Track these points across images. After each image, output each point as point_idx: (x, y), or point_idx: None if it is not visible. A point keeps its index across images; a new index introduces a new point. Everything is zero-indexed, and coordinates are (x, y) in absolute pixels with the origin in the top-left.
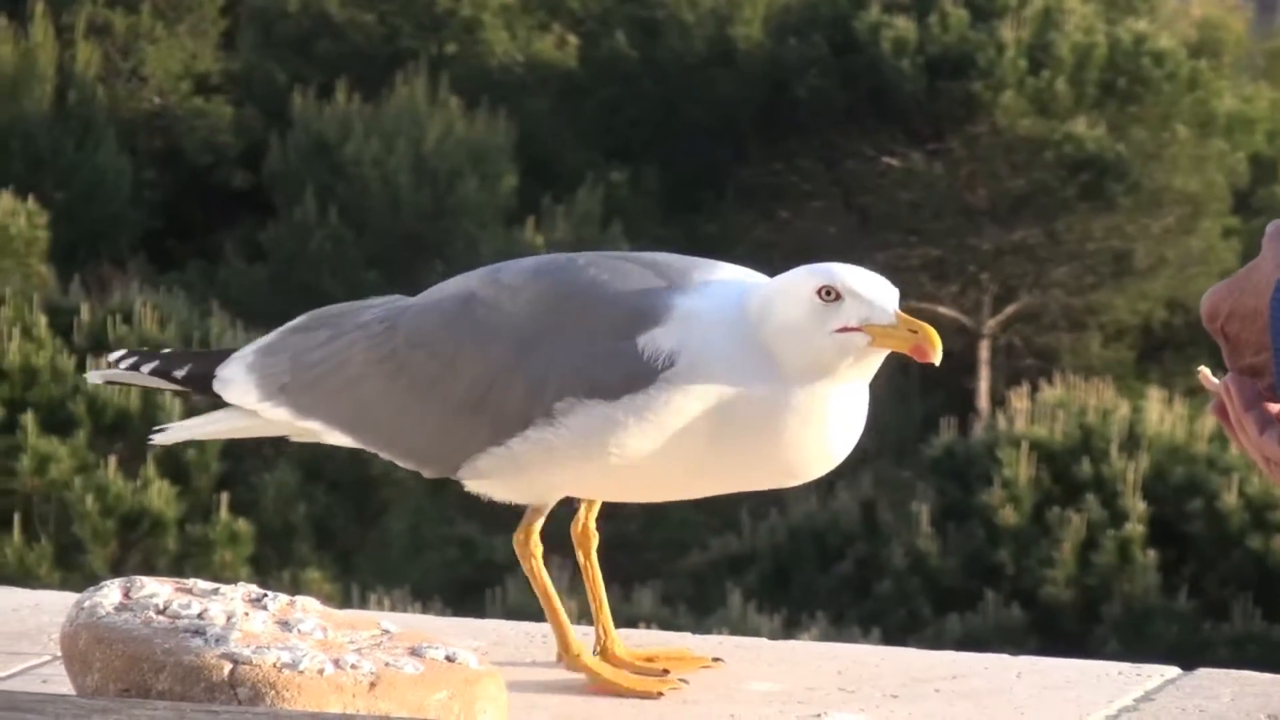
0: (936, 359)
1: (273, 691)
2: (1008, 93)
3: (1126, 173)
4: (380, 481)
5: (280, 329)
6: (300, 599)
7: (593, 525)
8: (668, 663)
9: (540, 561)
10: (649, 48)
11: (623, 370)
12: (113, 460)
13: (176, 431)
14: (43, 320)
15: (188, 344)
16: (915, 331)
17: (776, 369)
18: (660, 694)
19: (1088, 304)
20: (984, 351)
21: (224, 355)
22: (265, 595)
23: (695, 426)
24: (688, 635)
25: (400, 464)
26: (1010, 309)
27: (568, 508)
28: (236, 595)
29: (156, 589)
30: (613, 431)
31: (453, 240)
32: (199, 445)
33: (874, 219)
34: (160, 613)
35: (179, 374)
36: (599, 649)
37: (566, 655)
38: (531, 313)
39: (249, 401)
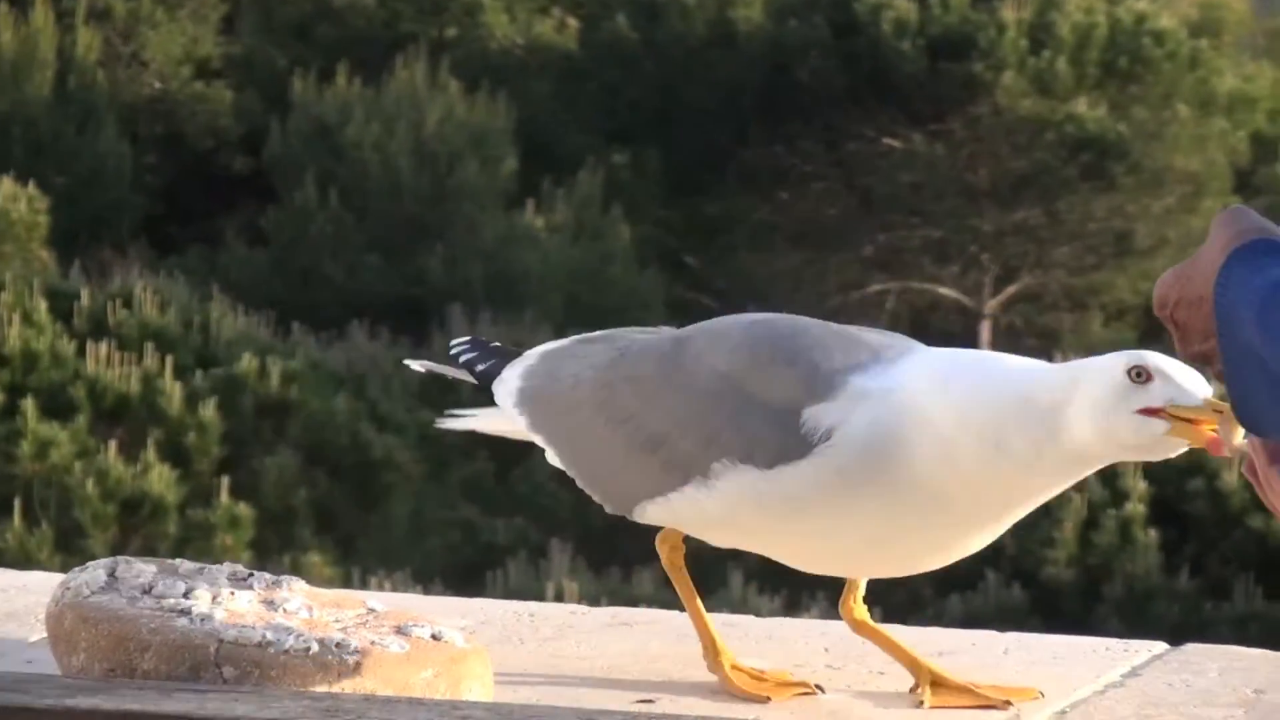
0: (1229, 451)
1: (258, 670)
2: (1008, 73)
3: (1127, 153)
4: (381, 465)
5: (573, 338)
6: (286, 578)
7: (853, 603)
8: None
9: (680, 562)
10: (649, 30)
11: (779, 440)
12: (113, 445)
13: (457, 421)
14: (43, 305)
15: (188, 328)
16: (1219, 412)
17: (1008, 452)
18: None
19: (1089, 284)
20: (985, 332)
21: (520, 355)
22: (251, 575)
23: (846, 505)
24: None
25: (591, 494)
26: (1011, 289)
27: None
28: (222, 575)
29: (142, 569)
30: (760, 504)
31: (453, 223)
32: (199, 429)
33: (875, 200)
34: (146, 593)
35: (479, 368)
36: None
37: (709, 658)
38: (727, 367)
39: (507, 405)
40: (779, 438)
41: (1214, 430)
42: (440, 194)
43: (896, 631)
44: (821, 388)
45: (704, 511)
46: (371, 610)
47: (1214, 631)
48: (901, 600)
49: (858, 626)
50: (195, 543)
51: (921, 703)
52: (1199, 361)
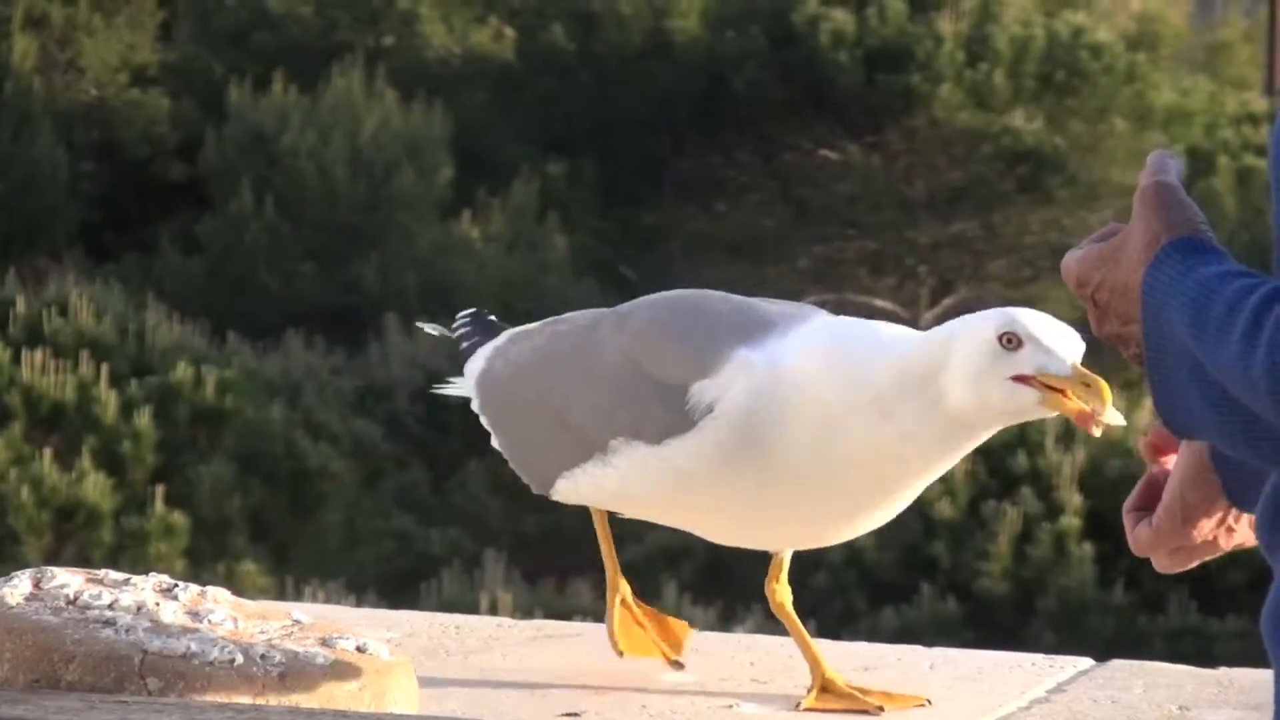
0: (1097, 430)
1: (182, 682)
2: (946, 85)
3: (1064, 165)
4: (316, 475)
5: (545, 320)
6: (211, 589)
7: (775, 584)
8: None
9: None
10: (586, 40)
11: (666, 416)
12: (48, 452)
13: (448, 388)
14: None
15: (124, 336)
16: (1088, 385)
17: (893, 419)
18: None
19: (1025, 297)
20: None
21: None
22: (176, 586)
23: (726, 476)
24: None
25: (519, 474)
26: (948, 301)
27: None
28: (147, 586)
29: (67, 579)
30: (651, 478)
31: (389, 232)
32: (134, 438)
33: (811, 211)
34: (71, 603)
35: (465, 345)
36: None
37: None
38: (629, 346)
39: (468, 385)
40: (667, 413)
41: (1084, 405)
42: (376, 203)
43: (821, 646)
44: (709, 363)
45: (603, 487)
46: (297, 622)
47: (1147, 645)
48: (836, 612)
49: (776, 609)
50: (130, 551)
51: (799, 704)
52: (1115, 342)
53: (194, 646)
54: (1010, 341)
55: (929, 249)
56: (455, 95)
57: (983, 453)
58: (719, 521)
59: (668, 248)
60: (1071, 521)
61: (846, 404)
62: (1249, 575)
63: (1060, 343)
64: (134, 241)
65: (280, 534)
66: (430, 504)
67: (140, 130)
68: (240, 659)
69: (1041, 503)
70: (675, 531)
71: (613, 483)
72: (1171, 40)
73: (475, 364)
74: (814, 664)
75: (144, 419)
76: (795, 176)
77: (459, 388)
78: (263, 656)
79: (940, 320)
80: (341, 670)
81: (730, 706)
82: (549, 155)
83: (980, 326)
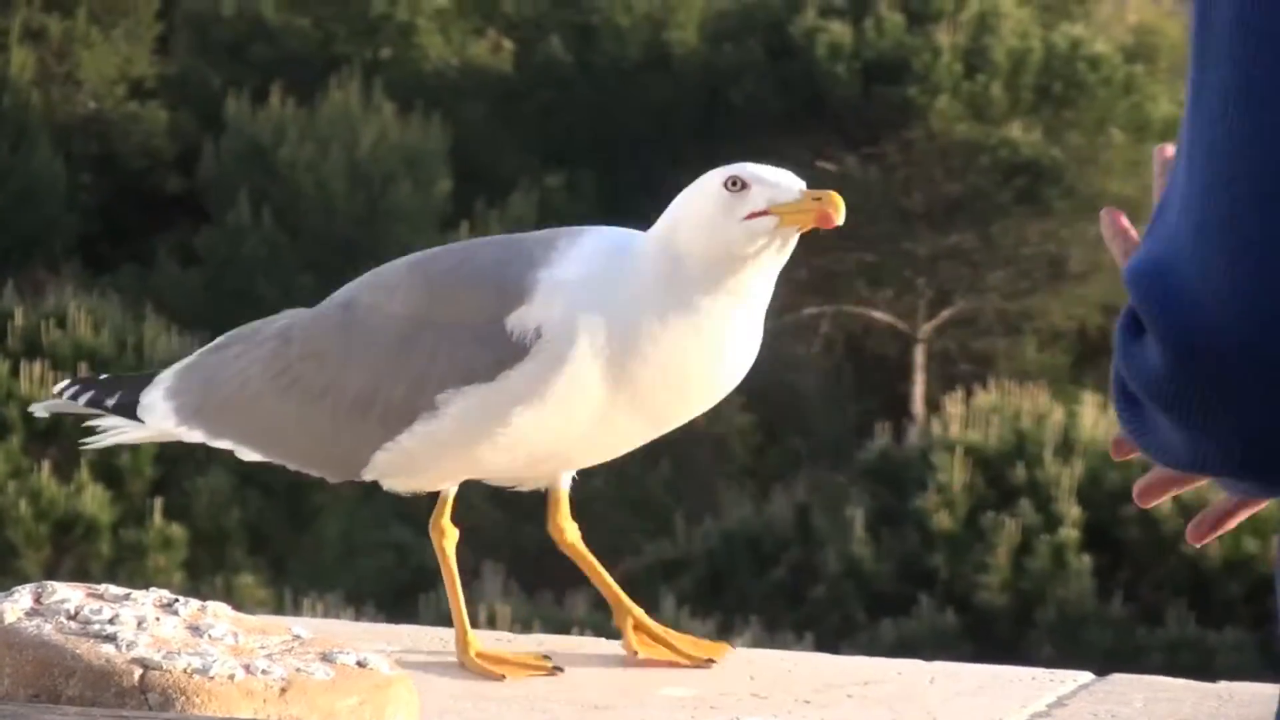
0: (838, 219)
1: (183, 697)
2: (943, 97)
3: (1062, 177)
4: (314, 487)
5: (199, 351)
6: (211, 604)
7: (563, 522)
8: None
9: (452, 545)
10: (584, 53)
11: (493, 353)
12: (46, 465)
13: (103, 439)
14: None
15: (122, 349)
16: (819, 199)
17: (675, 300)
18: (551, 671)
19: (1023, 309)
20: (919, 356)
21: (149, 380)
22: (176, 600)
23: (575, 392)
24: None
25: (309, 472)
26: (945, 313)
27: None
28: (148, 601)
29: (68, 594)
30: (494, 414)
31: (387, 245)
32: (133, 450)
33: None
34: (71, 618)
35: (109, 403)
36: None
37: (459, 646)
38: (407, 309)
39: (168, 427)
40: (492, 351)
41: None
42: (374, 215)
43: (821, 660)
44: (514, 294)
45: (440, 442)
46: (297, 637)
47: (1146, 658)
48: (834, 623)
49: (568, 548)
50: (128, 563)
51: (636, 651)
52: None
53: (195, 662)
54: (736, 184)
55: (927, 260)
56: (453, 107)
57: (981, 464)
58: (547, 442)
59: None
60: (1070, 533)
61: (644, 302)
62: (1247, 588)
63: (783, 177)
64: (132, 253)
65: (278, 546)
66: (428, 516)
67: (138, 142)
68: (241, 674)
69: (1040, 515)
70: (674, 544)
71: (449, 431)
72: (1169, 52)
73: (159, 408)
74: (617, 602)
75: None
76: None
77: (126, 431)
78: (263, 671)
79: (940, 332)
80: (342, 685)
81: (545, 673)
82: (547, 167)
83: (704, 182)
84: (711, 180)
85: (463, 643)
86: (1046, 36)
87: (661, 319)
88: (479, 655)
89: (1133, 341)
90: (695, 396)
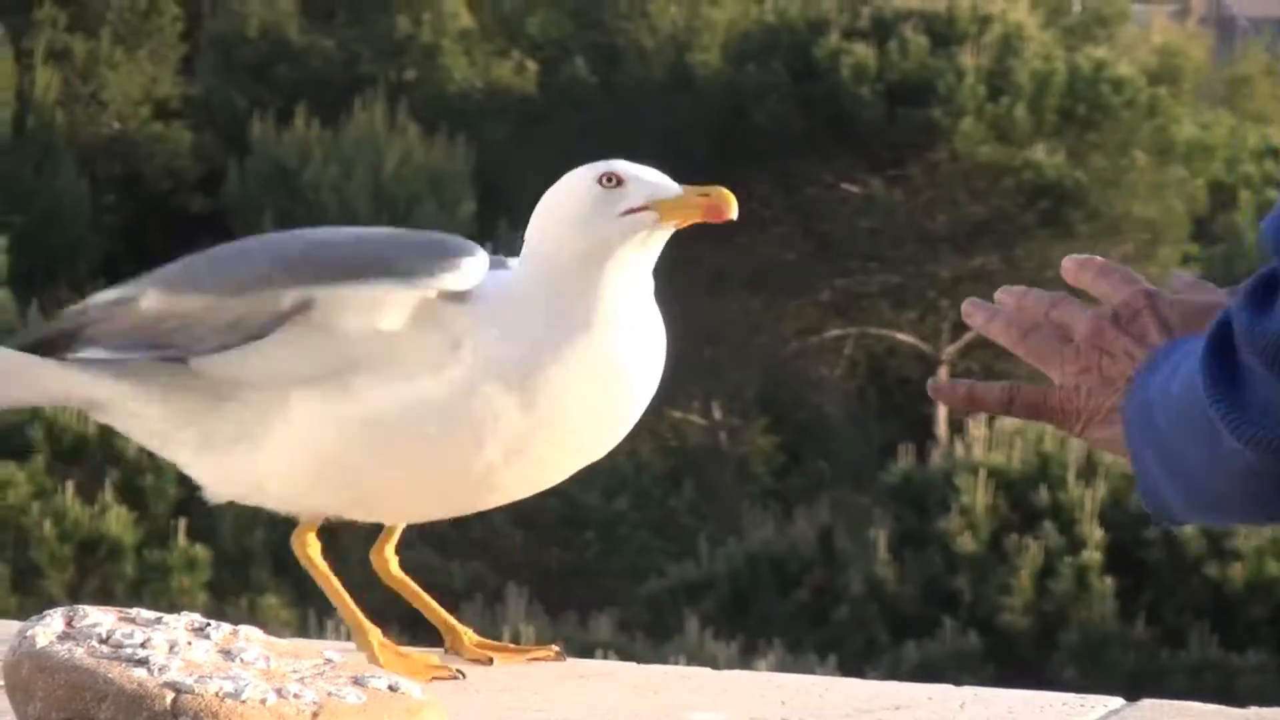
0: (732, 213)
1: None
2: (967, 119)
3: (1085, 200)
4: None
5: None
6: (243, 628)
7: (388, 554)
8: (507, 655)
9: (315, 552)
10: (608, 74)
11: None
12: (70, 486)
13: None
14: None
15: None
16: (706, 195)
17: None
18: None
19: None
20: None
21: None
22: (209, 624)
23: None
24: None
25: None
26: (969, 336)
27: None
28: (180, 624)
29: (100, 618)
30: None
31: None
32: (156, 471)
33: (833, 245)
34: (103, 642)
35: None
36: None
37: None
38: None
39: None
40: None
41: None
42: None
43: (852, 685)
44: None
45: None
46: (329, 660)
47: (1169, 680)
48: (858, 645)
49: (389, 576)
50: (152, 584)
51: (491, 660)
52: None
53: (227, 685)
54: (611, 180)
55: (950, 283)
56: (477, 128)
57: (1004, 487)
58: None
59: (688, 280)
60: (1093, 556)
61: (552, 324)
62: (1270, 610)
63: (661, 177)
64: None
65: (302, 567)
66: (451, 537)
67: (162, 163)
68: (273, 698)
69: (1063, 537)
70: (698, 566)
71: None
72: (1193, 75)
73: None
74: (448, 627)
75: None
76: (817, 210)
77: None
78: (295, 695)
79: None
80: (374, 709)
81: (449, 677)
82: None
83: (572, 179)
84: (581, 177)
85: (364, 639)
86: (1070, 59)
87: (554, 342)
88: (381, 645)
89: (1262, 303)
90: (613, 407)
